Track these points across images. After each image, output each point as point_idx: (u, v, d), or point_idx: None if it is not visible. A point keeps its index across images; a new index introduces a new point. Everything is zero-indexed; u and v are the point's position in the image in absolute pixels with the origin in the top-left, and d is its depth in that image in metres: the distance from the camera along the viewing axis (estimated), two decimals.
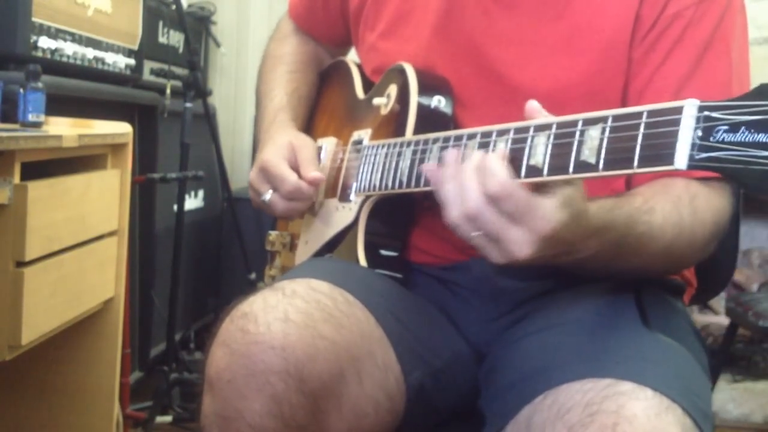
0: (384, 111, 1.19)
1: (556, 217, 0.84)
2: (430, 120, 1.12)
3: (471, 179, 0.87)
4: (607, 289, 1.07)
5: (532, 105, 0.90)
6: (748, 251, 3.26)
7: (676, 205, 1.00)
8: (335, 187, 1.24)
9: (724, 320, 2.83)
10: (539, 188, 0.86)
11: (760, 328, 2.30)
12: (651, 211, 0.98)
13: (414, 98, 1.13)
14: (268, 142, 1.26)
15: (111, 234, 1.71)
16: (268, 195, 1.21)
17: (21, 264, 1.35)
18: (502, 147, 0.89)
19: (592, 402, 0.87)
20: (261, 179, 1.22)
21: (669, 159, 0.74)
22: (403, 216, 1.17)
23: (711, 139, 0.72)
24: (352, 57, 1.42)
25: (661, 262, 1.03)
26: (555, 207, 0.84)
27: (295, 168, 1.20)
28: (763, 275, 3.22)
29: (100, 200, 1.65)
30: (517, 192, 0.84)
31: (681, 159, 0.73)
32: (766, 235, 3.28)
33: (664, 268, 1.06)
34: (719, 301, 3.03)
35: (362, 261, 1.12)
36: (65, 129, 1.58)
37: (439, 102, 1.14)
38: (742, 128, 0.70)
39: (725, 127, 0.71)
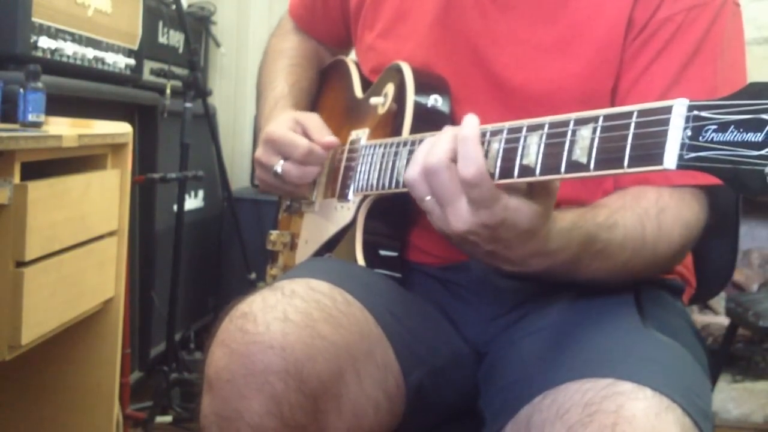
0: (381, 110, 1.19)
1: (501, 214, 0.86)
2: (427, 119, 1.12)
3: (444, 141, 0.89)
4: (606, 289, 1.07)
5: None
6: (748, 251, 3.26)
7: (641, 219, 1.01)
8: (334, 186, 1.24)
9: (724, 320, 2.83)
10: (510, 191, 0.88)
11: (760, 328, 2.30)
12: (613, 227, 0.99)
13: (411, 97, 1.13)
14: (269, 122, 1.26)
15: (111, 234, 1.71)
16: (280, 165, 1.20)
17: (21, 264, 1.35)
18: (496, 147, 0.90)
19: (592, 402, 0.87)
20: (269, 152, 1.22)
21: (658, 159, 0.74)
22: (402, 216, 1.17)
23: (700, 138, 0.71)
24: (351, 57, 1.42)
25: (614, 275, 1.04)
26: (505, 206, 0.86)
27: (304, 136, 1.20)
28: (763, 275, 3.22)
29: (100, 200, 1.65)
30: (489, 181, 0.86)
31: (670, 159, 0.73)
32: (766, 235, 3.28)
33: (619, 281, 1.06)
34: (719, 301, 3.03)
35: (360, 261, 1.12)
36: (65, 129, 1.58)
37: (435, 101, 1.14)
38: (731, 128, 0.70)
39: (714, 127, 0.71)
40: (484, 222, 0.87)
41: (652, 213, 1.02)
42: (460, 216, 0.88)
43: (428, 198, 0.90)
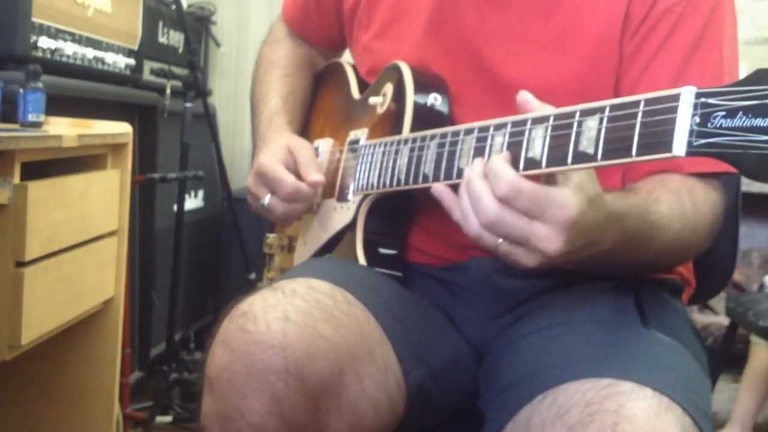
0: (380, 110, 1.19)
1: (572, 202, 0.83)
2: (426, 118, 1.12)
3: (480, 187, 0.87)
4: (606, 288, 1.07)
5: (523, 97, 0.89)
6: (748, 251, 3.26)
7: (678, 197, 1.00)
8: (333, 187, 1.24)
9: (724, 320, 2.84)
10: (550, 181, 0.85)
11: (760, 328, 2.30)
12: (657, 202, 0.98)
13: (410, 96, 1.13)
14: (263, 147, 1.26)
15: (111, 234, 1.71)
16: (267, 199, 1.20)
17: (21, 264, 1.35)
18: (500, 141, 0.89)
19: (592, 402, 0.87)
20: (258, 183, 1.22)
21: (667, 146, 0.74)
22: (402, 214, 1.17)
23: (709, 125, 0.72)
24: (346, 58, 1.42)
25: (670, 253, 1.02)
26: (569, 193, 0.84)
27: (294, 170, 1.20)
28: (763, 275, 3.22)
29: (100, 200, 1.65)
30: (526, 187, 0.84)
31: (679, 146, 0.73)
32: (766, 235, 3.28)
33: (672, 260, 1.05)
34: (719, 301, 3.03)
35: (361, 260, 1.12)
36: (65, 129, 1.58)
37: (435, 100, 1.14)
38: (740, 113, 0.70)
39: (722, 113, 0.71)
40: (561, 224, 0.83)
41: (684, 192, 1.02)
42: (547, 238, 0.84)
43: (500, 242, 0.87)
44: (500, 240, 0.87)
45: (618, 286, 1.07)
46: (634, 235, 0.94)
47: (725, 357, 2.58)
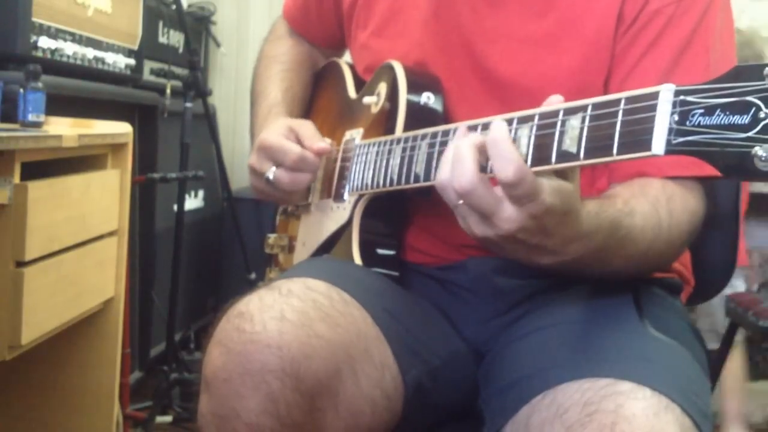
0: (374, 110, 1.19)
1: (546, 201, 0.84)
2: (419, 117, 1.12)
3: (466, 152, 0.85)
4: (605, 288, 1.07)
5: (556, 100, 0.89)
6: (748, 251, 3.26)
7: (654, 207, 1.01)
8: (330, 187, 1.24)
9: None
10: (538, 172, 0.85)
11: (760, 328, 2.30)
12: (631, 214, 0.98)
13: (403, 96, 1.13)
14: (263, 130, 1.26)
15: (111, 234, 1.71)
16: (272, 172, 1.20)
17: (21, 264, 1.35)
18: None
19: (591, 401, 0.87)
20: (262, 158, 1.21)
21: (647, 145, 0.74)
22: (398, 214, 1.17)
23: (687, 123, 0.72)
24: (345, 58, 1.42)
25: (638, 264, 1.02)
26: (549, 191, 0.84)
27: (297, 143, 1.20)
28: (763, 275, 3.22)
29: (100, 200, 1.65)
30: (530, 176, 0.83)
31: (658, 144, 0.73)
32: (766, 235, 3.28)
33: (641, 270, 1.05)
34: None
35: (357, 259, 1.12)
36: (65, 129, 1.59)
37: (428, 99, 1.14)
38: (718, 111, 0.70)
39: (701, 111, 0.71)
40: (531, 213, 0.84)
41: (663, 201, 1.02)
42: (508, 218, 0.84)
43: (461, 202, 0.87)
44: (461, 201, 0.86)
45: (616, 285, 1.07)
46: (598, 251, 0.94)
47: (725, 357, 2.57)
